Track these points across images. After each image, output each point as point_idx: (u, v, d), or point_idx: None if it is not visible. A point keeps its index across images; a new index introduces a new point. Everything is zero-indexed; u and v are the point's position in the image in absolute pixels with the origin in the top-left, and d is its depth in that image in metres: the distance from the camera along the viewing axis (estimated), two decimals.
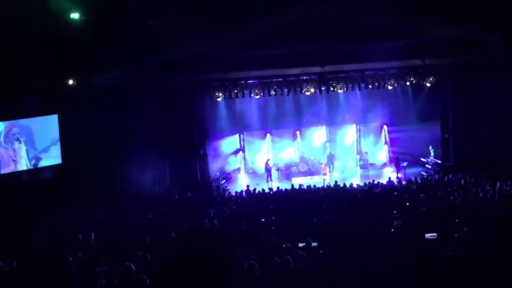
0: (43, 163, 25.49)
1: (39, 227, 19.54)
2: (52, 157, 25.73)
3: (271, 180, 32.30)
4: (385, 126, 34.23)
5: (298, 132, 34.61)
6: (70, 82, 24.92)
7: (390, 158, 34.16)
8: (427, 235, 15.15)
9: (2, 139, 24.30)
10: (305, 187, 27.63)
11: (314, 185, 28.15)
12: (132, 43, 23.17)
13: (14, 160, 24.53)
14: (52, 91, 24.30)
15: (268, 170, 32.85)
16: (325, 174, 31.47)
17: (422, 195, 22.57)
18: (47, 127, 25.56)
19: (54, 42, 21.31)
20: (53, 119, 25.59)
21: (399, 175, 31.00)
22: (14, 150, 24.47)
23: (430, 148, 31.51)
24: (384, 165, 34.42)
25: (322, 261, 11.47)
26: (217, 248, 2.58)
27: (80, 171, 24.84)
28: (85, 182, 24.48)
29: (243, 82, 28.82)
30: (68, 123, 25.17)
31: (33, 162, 25.30)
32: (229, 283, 2.55)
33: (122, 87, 25.36)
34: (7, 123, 24.39)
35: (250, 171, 34.86)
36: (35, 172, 25.48)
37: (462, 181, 24.83)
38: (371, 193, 24.38)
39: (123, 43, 22.71)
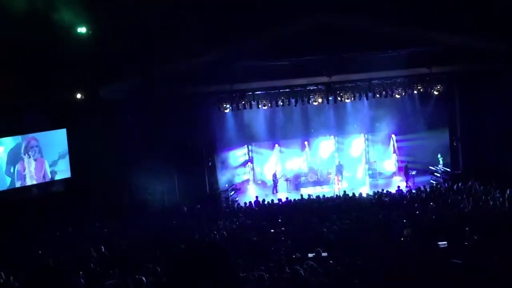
0: (54, 177, 25.66)
1: (49, 241, 19.60)
2: (62, 171, 25.85)
3: (277, 192, 32.27)
4: (393, 135, 34.15)
5: (306, 143, 34.56)
6: (78, 96, 25.04)
7: (398, 167, 34.05)
8: (437, 244, 15.10)
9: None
10: (314, 197, 27.56)
11: (323, 195, 28.09)
12: (139, 56, 23.28)
13: (23, 174, 24.67)
14: (61, 105, 24.43)
15: (274, 181, 32.81)
16: (338, 185, 31.48)
17: (431, 203, 22.47)
18: (56, 141, 25.69)
19: (62, 57, 21.44)
20: (62, 133, 25.70)
21: (409, 184, 30.89)
22: (23, 164, 24.62)
23: (439, 156, 31.38)
24: (393, 174, 34.32)
25: (332, 271, 11.44)
26: (223, 261, 2.58)
27: (89, 184, 24.92)
28: (94, 195, 24.55)
29: (250, 93, 28.78)
30: (76, 136, 25.29)
31: (49, 176, 25.46)
32: None
33: (129, 100, 25.44)
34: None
35: (259, 182, 34.79)
36: (45, 186, 25.59)
37: (472, 189, 24.73)
38: (381, 202, 24.32)
39: (130, 57, 22.82)
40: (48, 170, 25.41)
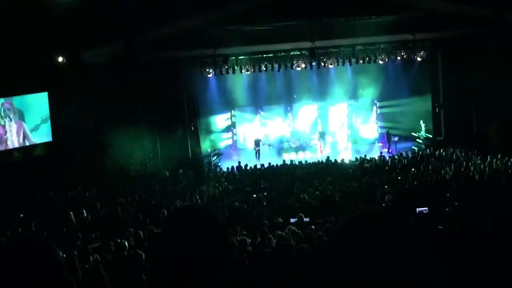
0: (34, 141, 25.46)
1: (30, 205, 19.53)
2: (43, 135, 25.66)
3: (260, 157, 32.08)
4: (376, 101, 34.21)
5: (289, 108, 34.55)
6: (60, 59, 24.76)
7: (381, 133, 34.18)
8: (418, 210, 15.21)
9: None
10: (297, 163, 27.64)
11: (306, 161, 28.17)
12: (121, 20, 23.02)
13: (5, 138, 24.44)
14: (42, 69, 24.14)
15: (257, 148, 32.58)
16: (320, 150, 31.62)
17: (413, 169, 22.64)
18: (37, 104, 25.46)
19: (43, 19, 21.14)
20: (43, 96, 25.47)
21: (390, 150, 31.05)
22: (4, 127, 24.37)
23: (421, 122, 31.47)
24: (375, 140, 34.46)
25: (313, 236, 11.50)
26: (211, 225, 2.54)
27: (70, 148, 24.79)
28: (76, 159, 24.45)
29: (233, 58, 28.64)
30: (58, 100, 25.07)
31: (25, 140, 25.24)
32: (224, 259, 2.52)
33: (112, 64, 25.22)
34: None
35: (241, 147, 34.82)
36: (26, 150, 25.42)
37: (453, 155, 24.91)
38: (363, 168, 24.44)
39: (112, 20, 22.54)
40: (29, 134, 25.21)
